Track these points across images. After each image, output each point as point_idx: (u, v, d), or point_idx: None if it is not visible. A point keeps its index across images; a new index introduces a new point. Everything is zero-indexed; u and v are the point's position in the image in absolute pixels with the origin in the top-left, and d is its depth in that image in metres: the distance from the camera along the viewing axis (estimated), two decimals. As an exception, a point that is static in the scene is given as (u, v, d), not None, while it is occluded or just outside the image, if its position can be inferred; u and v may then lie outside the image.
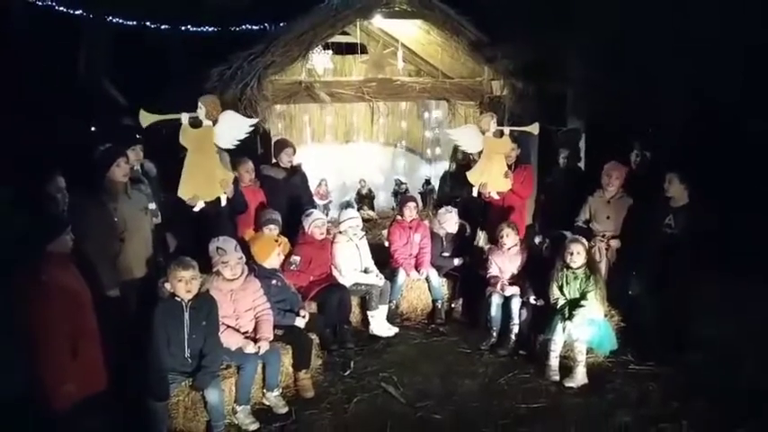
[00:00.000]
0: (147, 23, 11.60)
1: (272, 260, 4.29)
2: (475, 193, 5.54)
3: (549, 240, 4.93)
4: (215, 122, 4.33)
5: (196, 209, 4.31)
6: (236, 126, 4.42)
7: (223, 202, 4.45)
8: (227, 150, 4.64)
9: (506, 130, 5.54)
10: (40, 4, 10.43)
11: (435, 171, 8.83)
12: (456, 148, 6.46)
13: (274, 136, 6.72)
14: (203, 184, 4.34)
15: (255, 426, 3.67)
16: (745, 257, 5.28)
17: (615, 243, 4.94)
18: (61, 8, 10.71)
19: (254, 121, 4.55)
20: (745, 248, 5.32)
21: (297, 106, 7.94)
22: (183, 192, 4.30)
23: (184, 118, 4.27)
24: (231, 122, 4.40)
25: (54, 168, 5.03)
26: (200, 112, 4.28)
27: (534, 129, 5.55)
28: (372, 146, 8.95)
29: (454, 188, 6.25)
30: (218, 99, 4.39)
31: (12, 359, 3.05)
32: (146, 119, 4.16)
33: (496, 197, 5.51)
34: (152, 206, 4.41)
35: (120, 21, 11.30)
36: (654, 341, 4.45)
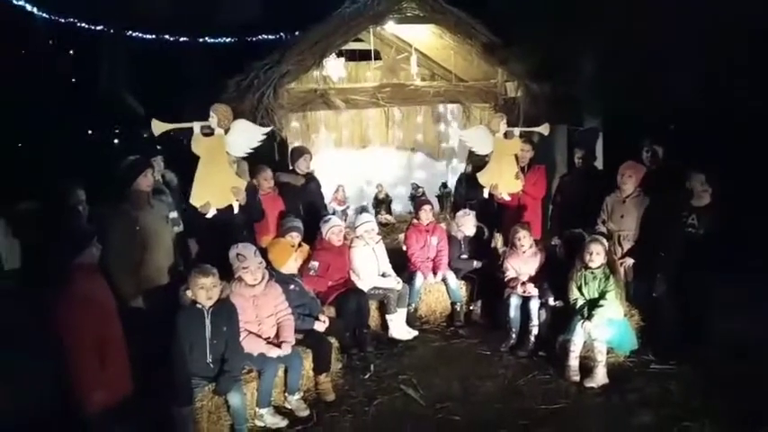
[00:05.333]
0: (166, 36, 11.86)
1: (290, 265, 4.34)
2: (486, 195, 5.54)
3: (562, 241, 4.90)
4: (227, 131, 4.38)
5: (208, 215, 4.35)
6: (248, 134, 4.45)
7: (235, 210, 4.48)
8: (246, 159, 4.70)
9: (516, 130, 5.54)
10: (62, 21, 10.72)
11: (452, 174, 8.84)
12: (471, 151, 6.47)
13: (291, 143, 6.79)
14: (215, 191, 4.38)
15: (285, 422, 3.75)
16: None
17: (627, 243, 4.85)
18: (82, 24, 11.00)
19: (267, 129, 4.56)
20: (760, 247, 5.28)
21: (313, 113, 8.03)
22: (195, 199, 4.35)
23: (196, 127, 4.31)
24: (243, 131, 4.44)
25: (75, 181, 5.19)
26: (212, 121, 4.31)
27: (544, 129, 5.53)
28: (388, 150, 9.00)
29: (469, 191, 6.26)
30: (229, 108, 4.42)
31: (44, 369, 3.15)
32: (158, 127, 4.22)
33: (507, 198, 5.51)
34: (173, 215, 4.49)
35: (140, 35, 11.57)
36: (675, 340, 4.39)
